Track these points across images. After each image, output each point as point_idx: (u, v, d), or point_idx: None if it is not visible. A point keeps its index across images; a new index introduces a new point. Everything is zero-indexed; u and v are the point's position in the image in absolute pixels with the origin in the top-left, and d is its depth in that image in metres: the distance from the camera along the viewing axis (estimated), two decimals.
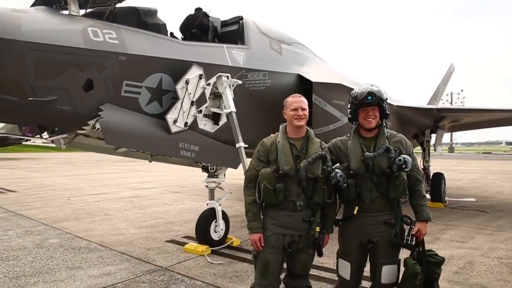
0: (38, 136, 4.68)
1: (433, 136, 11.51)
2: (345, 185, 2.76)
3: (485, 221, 7.93)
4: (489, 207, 9.62)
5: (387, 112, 2.90)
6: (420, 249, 2.85)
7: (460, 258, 5.27)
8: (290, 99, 2.92)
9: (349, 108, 2.94)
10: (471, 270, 4.81)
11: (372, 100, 2.78)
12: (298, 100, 2.87)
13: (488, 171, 23.14)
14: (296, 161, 2.74)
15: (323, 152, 2.78)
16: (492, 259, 5.29)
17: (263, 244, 2.76)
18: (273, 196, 2.69)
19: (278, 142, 2.80)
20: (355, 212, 2.82)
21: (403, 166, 2.70)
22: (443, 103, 35.02)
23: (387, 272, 2.81)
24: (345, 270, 2.90)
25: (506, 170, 23.56)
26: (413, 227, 2.83)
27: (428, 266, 2.78)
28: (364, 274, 3.04)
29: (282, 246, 2.76)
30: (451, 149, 65.05)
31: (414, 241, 2.83)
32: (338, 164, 2.96)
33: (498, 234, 6.78)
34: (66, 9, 4.10)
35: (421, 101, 11.97)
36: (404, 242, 2.81)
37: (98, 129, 4.08)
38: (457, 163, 31.32)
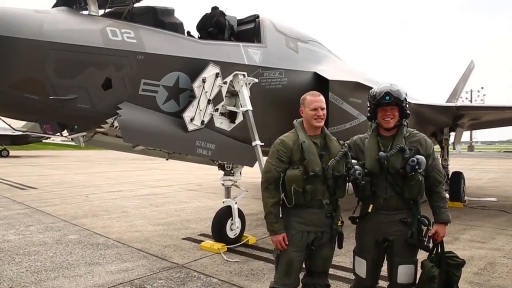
0: (59, 134, 4.77)
1: (452, 134, 11.26)
2: (363, 182, 2.75)
3: (507, 222, 7.72)
4: (511, 207, 9.36)
5: (408, 112, 2.84)
6: (439, 250, 2.79)
7: (480, 259, 5.15)
8: (308, 97, 2.85)
9: (368, 107, 2.91)
10: (492, 271, 4.69)
11: (390, 100, 2.74)
12: (318, 100, 2.82)
13: (510, 170, 22.50)
14: (321, 160, 2.73)
15: (346, 150, 2.81)
16: None
17: (287, 243, 2.72)
18: (301, 198, 2.66)
19: (304, 142, 2.74)
20: (369, 210, 2.81)
21: (416, 167, 2.65)
22: (462, 101, 34.30)
23: (403, 272, 2.77)
24: (361, 267, 2.88)
25: None
26: (430, 228, 2.77)
27: (448, 268, 2.72)
28: (382, 274, 3.01)
29: (306, 244, 2.75)
30: (470, 148, 63.56)
31: (431, 243, 2.77)
32: (356, 162, 2.94)
33: None
34: (86, 9, 4.16)
35: (440, 99, 11.75)
36: (420, 243, 2.76)
37: (116, 127, 4.14)
38: (477, 162, 30.60)
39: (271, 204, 2.72)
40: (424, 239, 2.76)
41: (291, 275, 2.74)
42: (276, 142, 2.83)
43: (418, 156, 2.68)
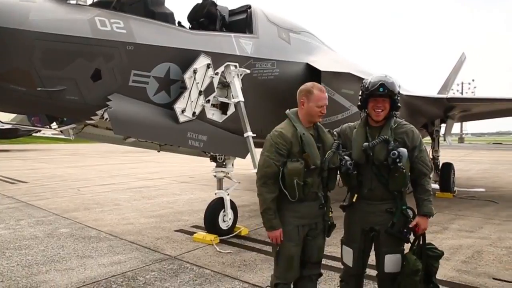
0: (47, 126, 4.72)
1: (443, 126, 11.36)
2: (355, 172, 2.77)
3: (494, 211, 7.85)
4: (499, 197, 9.51)
5: (399, 104, 2.83)
6: (420, 244, 2.80)
7: (468, 248, 5.24)
8: (316, 92, 2.75)
9: (360, 96, 2.89)
10: (479, 259, 4.78)
11: (384, 92, 2.72)
12: (325, 97, 2.78)
13: (498, 161, 22.84)
14: (319, 153, 2.71)
15: (339, 141, 2.83)
16: (501, 248, 5.25)
17: (282, 239, 2.69)
18: (302, 191, 2.60)
19: (303, 134, 2.68)
20: (354, 200, 2.85)
21: (397, 160, 2.64)
22: (453, 93, 34.57)
23: (390, 261, 2.79)
24: (348, 256, 2.91)
25: None
26: (411, 220, 2.77)
27: (427, 260, 2.75)
28: (371, 263, 3.04)
29: (302, 237, 2.75)
30: (461, 139, 64.30)
31: (412, 235, 2.78)
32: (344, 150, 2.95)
33: (507, 224, 6.72)
34: None
35: (431, 91, 11.82)
36: (400, 233, 2.75)
37: (107, 119, 4.10)
38: (467, 153, 30.98)
39: (270, 199, 2.64)
40: (405, 230, 2.76)
41: (293, 270, 2.75)
42: (273, 135, 2.72)
43: (400, 149, 2.67)
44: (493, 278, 4.15)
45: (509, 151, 36.65)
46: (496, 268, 4.46)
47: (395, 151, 2.65)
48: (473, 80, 61.73)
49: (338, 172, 2.85)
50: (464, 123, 49.06)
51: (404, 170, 2.68)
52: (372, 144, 2.71)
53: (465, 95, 48.15)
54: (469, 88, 60.73)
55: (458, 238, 5.73)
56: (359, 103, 2.91)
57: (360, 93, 2.89)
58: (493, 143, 62.89)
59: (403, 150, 2.68)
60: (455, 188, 10.19)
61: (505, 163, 21.12)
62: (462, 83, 60.16)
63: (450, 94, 17.75)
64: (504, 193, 10.37)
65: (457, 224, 6.67)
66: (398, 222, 2.75)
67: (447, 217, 7.10)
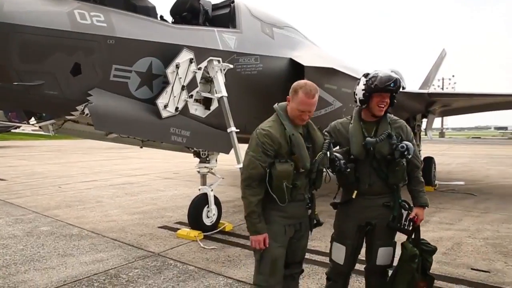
0: (25, 122, 4.59)
1: (424, 120, 11.59)
2: (348, 170, 2.73)
3: (473, 204, 8.08)
4: (477, 190, 9.79)
5: (395, 100, 2.85)
6: (415, 235, 2.86)
7: (448, 240, 5.37)
8: (301, 94, 2.47)
9: (363, 90, 2.80)
10: (458, 251, 4.91)
11: (394, 88, 2.73)
12: (309, 103, 2.48)
13: (477, 155, 23.45)
14: (308, 154, 2.54)
15: (329, 141, 2.66)
16: (479, 239, 5.42)
17: (267, 245, 2.50)
18: (290, 194, 2.44)
19: (293, 134, 2.48)
20: (353, 196, 2.81)
21: (405, 152, 2.69)
22: (434, 89, 35.22)
23: (383, 254, 2.84)
24: (340, 253, 2.88)
25: (494, 154, 23.89)
26: (410, 212, 2.84)
27: (422, 254, 2.80)
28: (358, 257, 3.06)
29: (288, 238, 2.60)
30: (441, 134, 65.72)
31: (411, 226, 2.84)
32: (338, 148, 2.91)
33: (485, 216, 6.93)
34: None
35: (412, 86, 12.00)
36: (401, 226, 2.83)
37: (87, 114, 4.01)
38: (447, 148, 31.68)
39: (255, 202, 2.45)
40: (405, 223, 2.83)
41: (277, 274, 2.55)
42: (260, 133, 2.50)
43: (406, 142, 2.72)
44: (471, 269, 4.28)
45: (487, 145, 37.70)
46: (474, 259, 4.60)
47: (403, 145, 2.69)
48: (453, 76, 63.27)
49: (332, 171, 2.78)
50: (444, 118, 50.20)
51: (405, 164, 2.74)
52: (379, 139, 2.71)
53: (445, 91, 49.13)
54: (449, 84, 62.08)
55: (439, 231, 5.86)
56: (362, 98, 2.81)
57: (363, 88, 2.80)
58: (472, 138, 64.56)
59: (410, 144, 2.73)
60: (436, 182, 10.43)
61: (484, 157, 21.71)
62: (443, 79, 61.43)
63: (432, 89, 18.11)
64: (482, 186, 10.66)
65: (437, 216, 6.83)
66: (398, 215, 2.81)
67: (428, 210, 7.17)
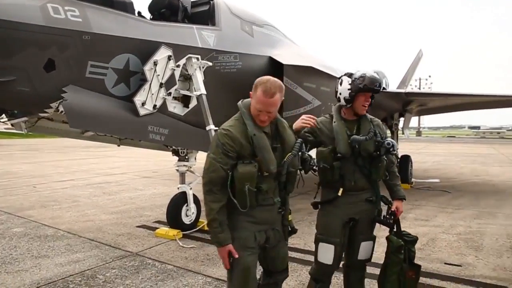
0: None
1: (402, 119, 11.87)
2: (329, 167, 2.76)
3: (447, 201, 8.33)
4: (451, 187, 10.10)
5: (373, 100, 2.94)
6: (397, 228, 2.95)
7: (424, 236, 5.51)
8: (259, 92, 2.24)
9: (349, 90, 2.81)
10: (433, 246, 5.06)
11: (379, 88, 2.83)
12: (268, 103, 2.23)
13: (452, 153, 24.16)
14: (275, 155, 2.32)
15: (301, 140, 2.48)
16: (452, 235, 5.59)
17: (235, 256, 2.27)
18: (254, 198, 2.24)
19: (254, 135, 2.26)
20: (339, 194, 2.81)
21: (391, 149, 2.79)
22: (411, 88, 36.01)
23: (364, 248, 2.91)
24: (328, 253, 2.83)
25: (467, 153, 24.67)
26: (391, 205, 2.95)
27: (406, 244, 2.88)
28: None
29: (258, 244, 2.37)
30: (418, 133, 67.42)
31: (392, 219, 2.94)
32: (323, 147, 2.87)
33: (458, 212, 7.16)
34: None
35: (390, 86, 12.24)
36: (386, 220, 2.92)
37: (62, 112, 3.92)
38: (424, 146, 32.50)
39: (217, 209, 2.22)
40: (387, 216, 2.92)
41: (249, 283, 2.33)
42: (220, 133, 2.30)
43: (391, 140, 2.82)
44: (445, 263, 4.41)
45: (461, 144, 38.88)
46: (447, 254, 4.74)
47: (389, 141, 2.79)
48: (429, 76, 65.14)
49: (305, 172, 2.64)
50: (421, 117, 51.47)
51: (386, 160, 2.85)
52: (369, 137, 2.77)
53: (422, 90, 50.37)
54: (426, 84, 63.69)
55: (415, 227, 6.01)
56: (348, 97, 2.82)
57: (349, 88, 2.81)
58: (448, 137, 66.49)
59: (394, 141, 2.84)
60: (413, 179, 10.69)
61: (458, 155, 22.39)
62: (420, 79, 62.98)
63: (409, 89, 18.53)
64: (456, 184, 11.00)
65: (413, 213, 7.00)
66: (380, 209, 2.92)
67: (405, 207, 7.31)
